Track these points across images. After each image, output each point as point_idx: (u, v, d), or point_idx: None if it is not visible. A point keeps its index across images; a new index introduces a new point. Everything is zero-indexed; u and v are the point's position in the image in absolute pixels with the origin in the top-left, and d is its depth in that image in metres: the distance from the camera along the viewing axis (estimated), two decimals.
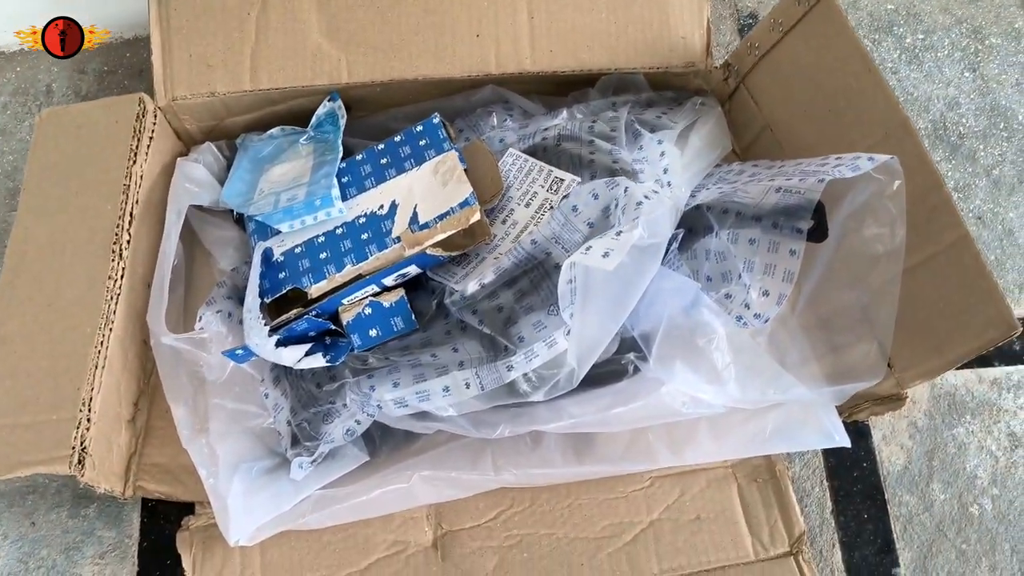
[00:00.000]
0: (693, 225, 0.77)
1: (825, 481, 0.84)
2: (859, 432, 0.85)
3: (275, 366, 0.81)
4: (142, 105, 0.86)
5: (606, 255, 0.65)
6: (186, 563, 0.79)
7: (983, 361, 0.89)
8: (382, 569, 0.79)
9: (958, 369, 0.89)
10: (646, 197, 0.69)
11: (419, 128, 0.86)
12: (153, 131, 0.87)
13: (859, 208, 0.75)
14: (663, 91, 0.95)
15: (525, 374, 0.73)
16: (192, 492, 0.81)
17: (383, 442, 0.82)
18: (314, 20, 0.89)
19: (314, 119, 0.91)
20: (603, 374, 0.78)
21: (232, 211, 0.91)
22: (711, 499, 0.82)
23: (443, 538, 0.81)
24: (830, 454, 0.85)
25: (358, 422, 0.77)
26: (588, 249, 0.66)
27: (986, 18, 1.08)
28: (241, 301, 0.82)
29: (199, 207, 0.91)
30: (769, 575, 0.78)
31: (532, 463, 0.79)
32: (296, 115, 0.94)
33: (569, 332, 0.72)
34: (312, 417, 0.77)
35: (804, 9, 0.83)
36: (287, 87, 0.89)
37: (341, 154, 0.86)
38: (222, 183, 0.90)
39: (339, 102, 0.91)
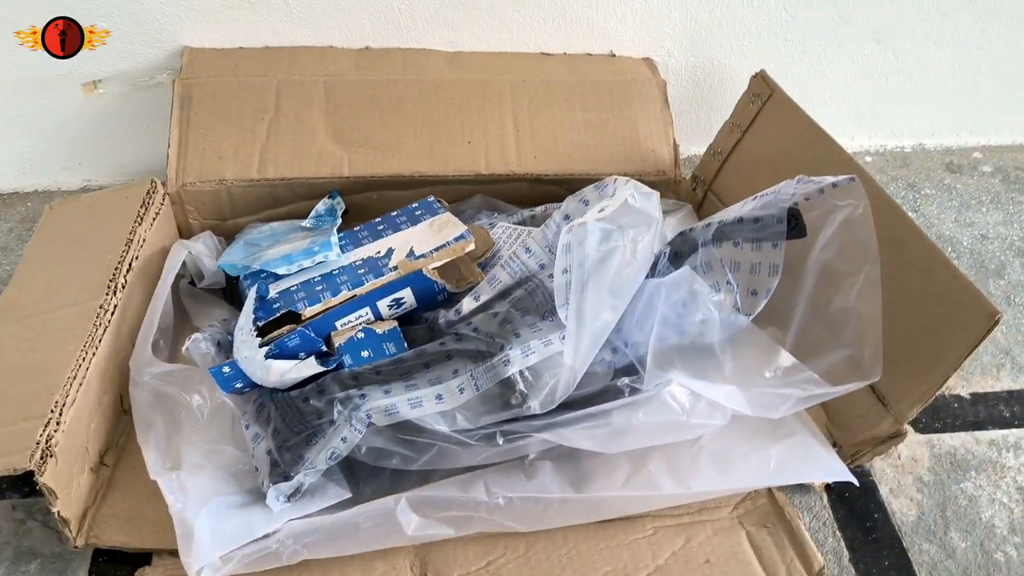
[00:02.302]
0: (679, 249, 0.80)
1: (838, 532, 0.78)
2: (865, 487, 0.82)
3: (260, 395, 0.78)
4: (153, 185, 0.91)
5: (602, 210, 0.68)
6: None
7: (977, 426, 0.88)
8: None
9: (954, 431, 0.88)
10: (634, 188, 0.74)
11: (415, 204, 0.92)
12: (159, 210, 0.91)
13: (831, 237, 0.79)
14: None
15: (521, 372, 0.72)
16: (152, 540, 0.75)
17: (367, 483, 0.77)
18: (321, 126, 0.99)
19: (313, 212, 0.96)
20: (599, 401, 0.76)
21: (223, 290, 0.93)
22: (720, 544, 0.76)
23: None
24: (838, 506, 0.80)
25: (344, 440, 0.72)
26: (584, 215, 0.70)
27: (917, 176, 1.21)
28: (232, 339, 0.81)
29: (192, 285, 0.93)
30: None
31: (527, 490, 0.74)
32: (297, 217, 0.99)
33: (564, 337, 0.72)
34: (296, 439, 0.73)
35: (759, 106, 0.94)
36: (292, 178, 0.95)
37: (339, 225, 0.91)
38: None
39: (338, 199, 0.97)
